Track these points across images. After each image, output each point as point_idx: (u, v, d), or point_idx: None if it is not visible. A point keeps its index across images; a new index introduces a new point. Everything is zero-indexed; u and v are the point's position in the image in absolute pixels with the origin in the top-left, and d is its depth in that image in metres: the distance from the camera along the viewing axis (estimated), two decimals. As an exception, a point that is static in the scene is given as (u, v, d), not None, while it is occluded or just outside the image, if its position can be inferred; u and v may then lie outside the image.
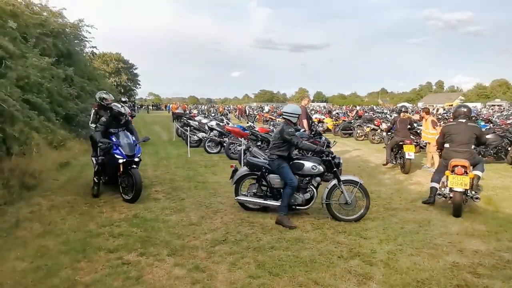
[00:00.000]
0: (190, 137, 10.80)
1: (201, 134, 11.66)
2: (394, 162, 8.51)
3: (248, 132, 9.11)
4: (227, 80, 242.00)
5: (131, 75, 54.66)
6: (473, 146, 5.29)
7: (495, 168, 8.43)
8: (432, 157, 8.15)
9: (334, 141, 5.72)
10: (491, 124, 12.80)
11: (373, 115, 19.12)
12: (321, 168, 4.69)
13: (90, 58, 19.38)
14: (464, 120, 5.26)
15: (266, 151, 7.69)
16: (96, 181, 5.71)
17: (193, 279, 3.10)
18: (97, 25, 14.62)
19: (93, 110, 6.62)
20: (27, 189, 5.75)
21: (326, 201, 4.67)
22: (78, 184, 6.47)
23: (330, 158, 4.66)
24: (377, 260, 3.49)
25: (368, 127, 14.55)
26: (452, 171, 4.94)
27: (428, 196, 5.52)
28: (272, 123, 18.42)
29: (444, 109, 32.42)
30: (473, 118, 15.85)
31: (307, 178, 4.77)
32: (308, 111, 9.95)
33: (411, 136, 8.75)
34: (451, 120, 5.64)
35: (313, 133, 7.93)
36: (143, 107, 59.82)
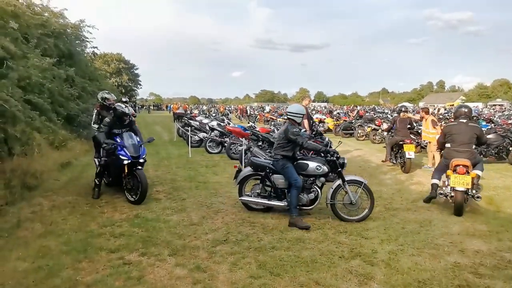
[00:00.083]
0: (191, 137, 10.81)
1: (202, 134, 11.67)
2: (394, 162, 8.55)
3: (249, 132, 9.10)
4: (227, 80, 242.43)
5: (132, 76, 54.71)
6: (473, 146, 5.31)
7: (497, 168, 8.42)
8: (433, 157, 8.14)
9: (339, 141, 5.71)
10: (493, 124, 12.78)
11: (374, 115, 19.11)
12: (325, 168, 4.69)
13: (91, 59, 19.37)
14: (465, 120, 5.29)
15: (267, 151, 7.72)
16: (97, 183, 5.66)
17: (194, 279, 3.10)
18: (97, 25, 14.63)
19: (95, 111, 6.58)
20: (29, 189, 5.76)
21: (330, 201, 4.66)
22: (79, 184, 6.48)
23: (334, 158, 4.66)
24: (378, 260, 3.48)
25: (369, 127, 14.54)
26: (454, 170, 4.96)
27: (429, 194, 5.55)
28: (273, 123, 18.42)
29: (445, 109, 32.39)
30: (475, 118, 15.91)
31: (312, 179, 4.76)
32: (309, 111, 9.96)
33: (411, 136, 8.79)
34: (452, 120, 5.66)
35: (314, 133, 7.93)
36: (144, 107, 59.88)
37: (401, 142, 8.09)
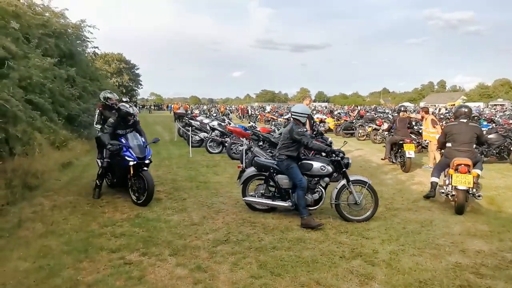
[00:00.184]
0: (191, 137, 10.81)
1: (202, 134, 11.67)
2: (394, 161, 8.60)
3: (249, 132, 9.10)
4: (228, 80, 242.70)
5: (132, 75, 54.76)
6: (474, 146, 5.35)
7: (498, 168, 8.40)
8: (434, 157, 8.14)
9: (345, 141, 5.71)
10: (494, 124, 12.75)
11: (375, 115, 19.09)
12: (329, 169, 4.67)
13: (92, 59, 19.38)
14: (465, 120, 5.36)
15: (268, 151, 7.71)
16: (98, 183, 5.63)
17: (195, 279, 3.10)
18: (97, 25, 14.64)
19: (98, 111, 6.46)
20: (30, 189, 5.77)
21: (335, 201, 4.65)
22: (80, 184, 6.48)
23: (339, 158, 4.64)
24: (379, 260, 3.48)
25: (370, 127, 14.52)
26: (456, 169, 4.97)
27: (428, 192, 5.67)
28: (273, 123, 18.42)
29: (446, 109, 32.35)
30: (475, 118, 15.91)
31: (316, 179, 4.75)
32: (310, 111, 9.94)
33: (412, 136, 8.83)
34: (453, 120, 5.69)
35: (314, 133, 7.92)
36: (145, 107, 59.88)
37: (401, 142, 8.14)
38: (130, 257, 3.52)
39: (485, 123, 13.55)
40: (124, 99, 10.83)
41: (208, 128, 11.80)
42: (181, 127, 13.78)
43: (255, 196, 4.96)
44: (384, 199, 5.71)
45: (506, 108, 37.84)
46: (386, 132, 10.11)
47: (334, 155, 4.66)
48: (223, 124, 12.12)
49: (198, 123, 12.76)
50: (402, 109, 9.09)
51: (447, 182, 5.27)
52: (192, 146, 10.43)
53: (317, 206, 4.74)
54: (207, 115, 17.66)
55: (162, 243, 3.86)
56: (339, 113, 22.89)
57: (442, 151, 5.76)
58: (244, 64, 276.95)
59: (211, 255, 3.58)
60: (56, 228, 4.26)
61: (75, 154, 8.99)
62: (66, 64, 11.96)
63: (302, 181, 4.52)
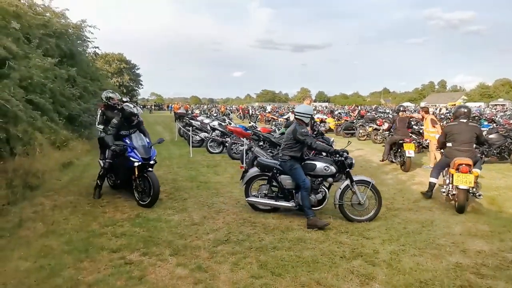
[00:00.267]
0: (192, 137, 10.81)
1: (203, 134, 11.67)
2: (394, 160, 8.62)
3: (250, 132, 9.10)
4: (228, 80, 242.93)
5: (133, 75, 54.77)
6: (474, 146, 5.40)
7: (498, 168, 8.40)
8: (435, 157, 8.13)
9: (349, 141, 5.69)
10: (494, 124, 12.73)
11: (376, 115, 19.08)
12: (333, 169, 4.67)
13: (93, 59, 19.36)
14: (465, 120, 5.41)
15: (268, 151, 7.71)
16: (99, 184, 5.62)
17: (195, 279, 3.10)
18: (98, 25, 14.64)
19: (100, 111, 6.40)
20: (30, 189, 5.78)
21: (339, 201, 4.64)
22: (80, 184, 6.49)
23: (342, 159, 4.63)
24: (379, 261, 3.48)
25: (370, 127, 14.52)
26: (457, 169, 4.98)
27: (426, 192, 5.79)
28: (274, 123, 18.42)
29: (446, 109, 32.29)
30: (476, 118, 15.89)
31: (319, 179, 4.74)
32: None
33: (412, 136, 8.86)
34: (453, 120, 5.72)
35: (315, 133, 7.92)
36: (146, 107, 59.88)
37: (400, 141, 8.18)
38: (131, 257, 3.52)
39: (485, 123, 13.52)
40: (124, 99, 10.84)
41: (209, 128, 11.80)
42: (181, 127, 13.78)
43: (258, 197, 4.95)
44: (384, 199, 5.68)
45: (506, 108, 37.81)
46: (387, 132, 10.12)
47: (338, 155, 4.66)
48: (223, 124, 12.13)
49: (199, 123, 12.77)
50: (402, 109, 9.18)
51: (447, 181, 5.30)
52: (192, 146, 10.44)
53: (321, 207, 4.74)
54: (208, 115, 17.66)
55: (163, 243, 3.86)
56: (339, 113, 22.89)
57: (442, 150, 5.78)
58: (244, 64, 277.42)
59: (211, 255, 3.58)
60: (57, 228, 4.27)
61: (75, 154, 9.00)
62: (67, 64, 11.95)
63: (305, 182, 4.51)
